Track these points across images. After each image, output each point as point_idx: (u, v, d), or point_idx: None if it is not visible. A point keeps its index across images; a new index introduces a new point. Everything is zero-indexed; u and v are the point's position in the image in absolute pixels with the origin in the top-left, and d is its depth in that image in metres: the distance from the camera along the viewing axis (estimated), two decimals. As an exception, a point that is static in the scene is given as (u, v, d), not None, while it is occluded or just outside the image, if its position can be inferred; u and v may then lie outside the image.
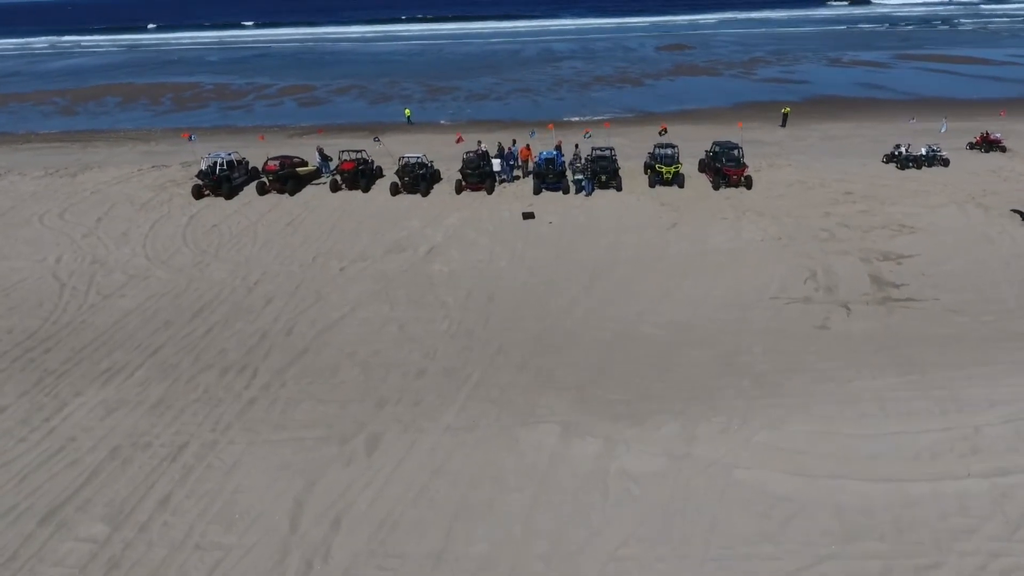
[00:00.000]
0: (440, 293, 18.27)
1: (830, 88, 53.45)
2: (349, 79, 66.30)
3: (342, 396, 14.18)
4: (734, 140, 26.81)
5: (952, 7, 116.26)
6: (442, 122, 44.37)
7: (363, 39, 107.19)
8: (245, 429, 13.31)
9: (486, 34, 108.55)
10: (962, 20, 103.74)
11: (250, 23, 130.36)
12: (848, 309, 17.02)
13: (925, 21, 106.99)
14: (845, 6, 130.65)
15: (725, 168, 24.98)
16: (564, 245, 20.99)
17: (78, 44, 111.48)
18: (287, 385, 14.62)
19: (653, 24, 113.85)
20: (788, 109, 39.43)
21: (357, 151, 26.86)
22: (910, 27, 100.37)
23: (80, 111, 54.52)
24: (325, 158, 27.64)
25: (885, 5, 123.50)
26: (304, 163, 27.26)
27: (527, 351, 15.51)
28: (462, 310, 17.36)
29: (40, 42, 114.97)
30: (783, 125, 38.67)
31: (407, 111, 43.36)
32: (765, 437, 12.63)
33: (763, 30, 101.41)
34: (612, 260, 19.94)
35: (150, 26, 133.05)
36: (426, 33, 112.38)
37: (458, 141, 28.42)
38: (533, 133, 26.98)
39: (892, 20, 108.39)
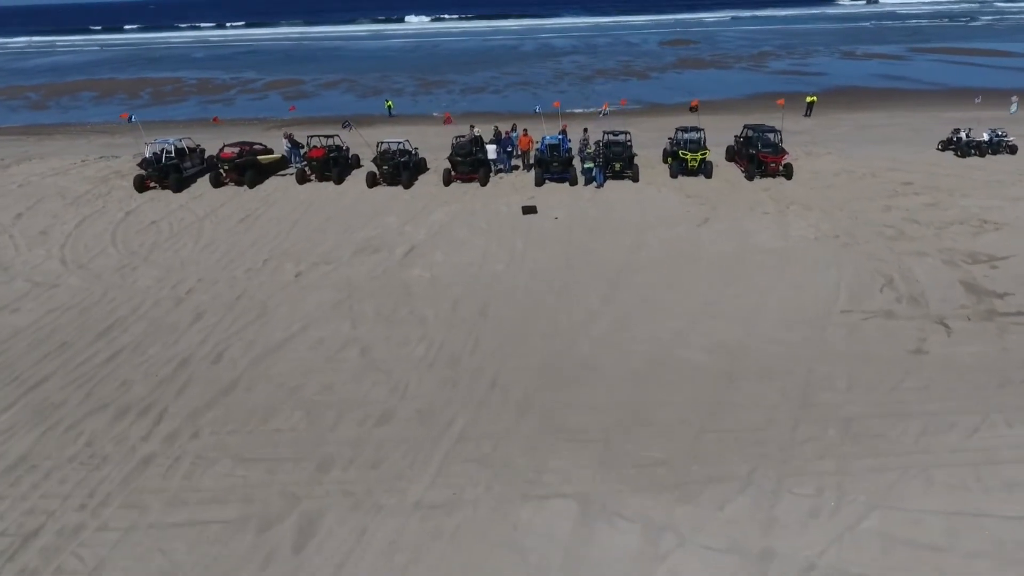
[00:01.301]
0: (418, 306, 14.15)
1: (848, 79, 49.41)
2: (339, 74, 62.29)
3: (273, 452, 10.03)
4: (769, 123, 22.75)
5: (962, 5, 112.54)
6: (434, 114, 40.24)
7: (357, 37, 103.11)
8: (128, 505, 9.15)
9: (483, 32, 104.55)
10: (971, 16, 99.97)
11: (240, 23, 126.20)
12: (946, 327, 12.89)
13: (934, 17, 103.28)
14: (852, 4, 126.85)
15: (761, 155, 20.89)
16: (574, 245, 16.88)
17: (60, 44, 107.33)
18: (200, 435, 10.46)
19: (654, 22, 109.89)
20: (814, 97, 35.31)
21: (329, 136, 22.75)
22: (921, 23, 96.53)
23: (51, 106, 50.36)
24: (295, 145, 23.49)
25: (892, 4, 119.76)
26: (268, 150, 23.14)
27: (530, 385, 11.38)
28: (445, 328, 13.24)
29: (19, 42, 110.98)
30: (808, 114, 34.56)
31: (388, 103, 39.25)
32: (878, 522, 8.50)
33: (769, 27, 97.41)
34: (635, 263, 15.83)
35: (130, 26, 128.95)
36: (421, 31, 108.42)
37: (446, 122, 24.21)
38: (536, 110, 22.93)
39: (900, 16, 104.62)
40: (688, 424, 10.33)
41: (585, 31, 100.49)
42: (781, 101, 25.98)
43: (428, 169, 23.03)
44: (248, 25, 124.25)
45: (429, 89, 51.66)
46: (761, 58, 63.02)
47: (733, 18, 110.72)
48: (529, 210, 18.86)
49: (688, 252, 16.33)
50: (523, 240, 17.17)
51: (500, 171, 22.56)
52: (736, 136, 23.25)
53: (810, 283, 14.64)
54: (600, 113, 24.63)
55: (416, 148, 22.67)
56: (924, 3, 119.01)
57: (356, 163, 23.39)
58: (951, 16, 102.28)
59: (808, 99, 35.39)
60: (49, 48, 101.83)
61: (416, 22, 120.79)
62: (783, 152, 21.03)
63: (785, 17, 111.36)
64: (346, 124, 22.60)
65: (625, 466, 9.52)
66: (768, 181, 21.06)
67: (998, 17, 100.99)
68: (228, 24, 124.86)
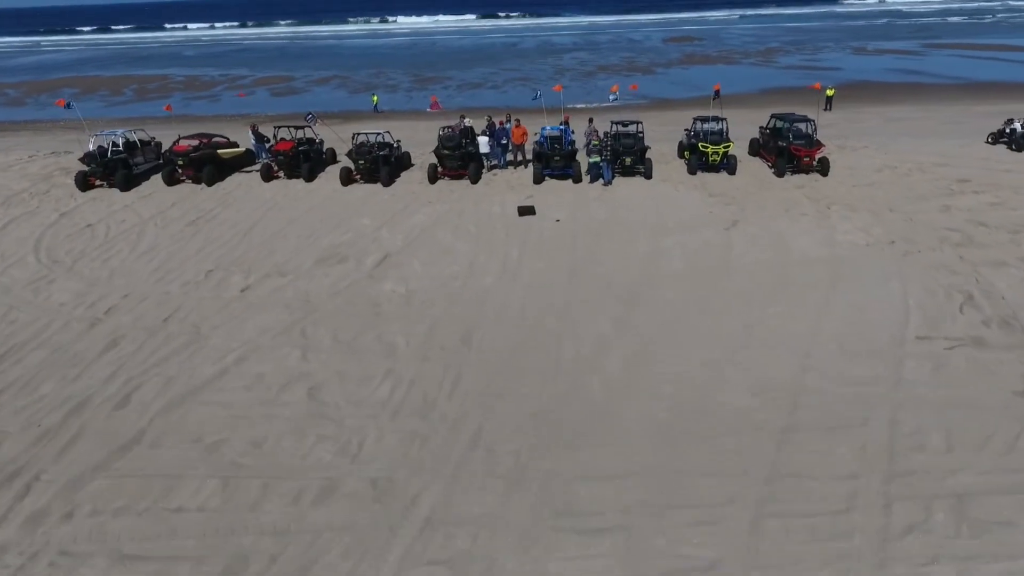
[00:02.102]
0: (387, 330, 11.28)
1: (865, 74, 46.48)
2: (331, 70, 59.55)
3: (168, 546, 7.15)
4: (800, 112, 19.87)
5: (971, 3, 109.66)
6: (427, 110, 37.40)
7: (353, 35, 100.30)
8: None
9: (482, 30, 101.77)
10: (982, 14, 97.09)
11: (235, 23, 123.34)
12: (1057, 359, 10.05)
13: (943, 15, 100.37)
14: (858, 3, 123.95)
15: (793, 148, 17.99)
16: (580, 253, 14.01)
17: (46, 43, 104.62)
18: (75, 515, 7.59)
19: (656, 20, 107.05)
20: (832, 90, 32.46)
21: (299, 127, 19.89)
22: (929, 20, 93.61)
23: (29, 102, 47.56)
24: (260, 139, 20.61)
25: (899, 2, 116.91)
26: (231, 144, 20.28)
27: (523, 444, 8.48)
28: (418, 361, 10.37)
29: (3, 42, 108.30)
30: (828, 108, 31.64)
31: (374, 97, 36.41)
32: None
33: (774, 24, 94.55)
34: (654, 276, 12.95)
35: (122, 26, 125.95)
36: (418, 29, 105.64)
37: (433, 107, 21.26)
38: (537, 95, 20.08)
39: (908, 15, 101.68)
40: (739, 503, 7.44)
41: (586, 29, 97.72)
42: (817, 85, 23.03)
43: (413, 165, 20.15)
44: (242, 25, 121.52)
45: (424, 85, 48.85)
46: (769, 54, 60.14)
47: (741, 16, 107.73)
48: (526, 211, 16.00)
49: (717, 262, 13.44)
50: (519, 247, 14.30)
51: (494, 167, 19.69)
52: (761, 127, 20.36)
53: (871, 301, 11.75)
54: (609, 98, 21.69)
55: (398, 141, 19.79)
56: (932, 1, 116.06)
57: (332, 158, 20.51)
58: (960, 13, 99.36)
59: (828, 92, 32.52)
60: (34, 47, 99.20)
61: (412, 21, 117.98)
62: (818, 144, 18.14)
63: (790, 15, 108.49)
64: (309, 116, 19.71)
65: (657, 572, 6.65)
66: (801, 178, 18.17)
67: (1009, 14, 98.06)
68: (223, 24, 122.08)
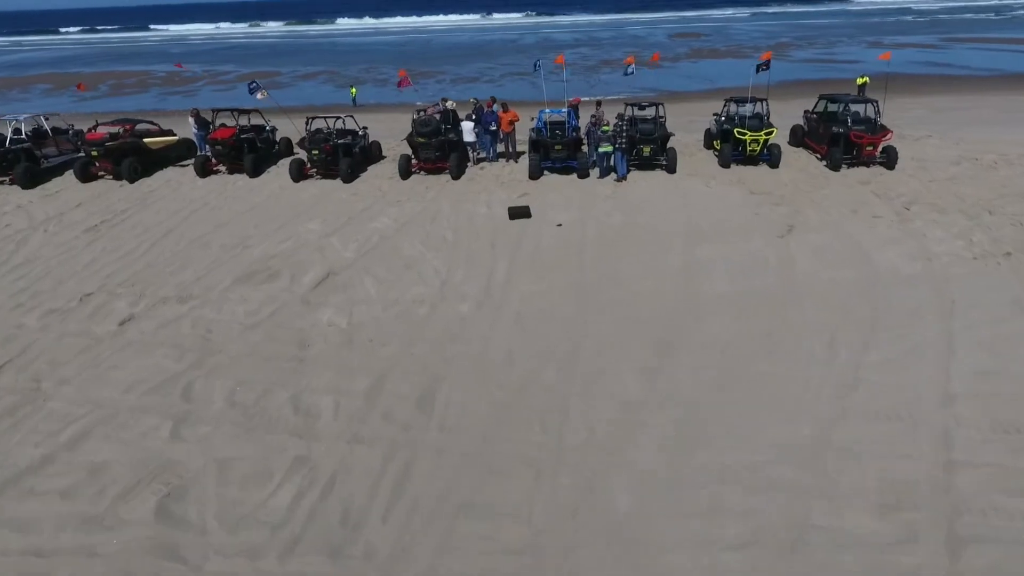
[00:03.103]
0: (311, 386, 7.56)
1: (888, 66, 42.78)
2: (321, 65, 56.06)
3: None
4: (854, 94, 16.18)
5: (979, 1, 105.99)
6: (417, 104, 33.73)
7: (348, 33, 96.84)
8: None
9: (480, 28, 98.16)
10: (994, 11, 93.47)
11: (226, 23, 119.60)
12: None
13: (953, 12, 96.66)
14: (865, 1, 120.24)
15: (853, 134, 14.32)
16: (589, 270, 10.30)
17: (27, 43, 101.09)
18: None
19: (657, 18, 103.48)
20: (865, 79, 28.76)
21: (245, 111, 16.24)
22: (940, 17, 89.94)
23: (-13, 99, 44.14)
24: (204, 126, 16.92)
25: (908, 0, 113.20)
26: (165, 132, 16.61)
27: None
28: (347, 443, 6.62)
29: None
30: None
31: (352, 89, 32.84)
32: None
33: (781, 22, 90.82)
34: (692, 303, 9.24)
35: (110, 26, 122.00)
36: (413, 27, 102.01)
37: (401, 83, 17.50)
38: (538, 64, 16.33)
39: (917, 12, 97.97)
40: None
41: (586, 27, 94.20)
42: (887, 55, 19.21)
43: (384, 157, 16.50)
44: (235, 21, 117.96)
45: (416, 79, 45.02)
46: (781, 48, 56.41)
47: (739, 15, 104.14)
48: (519, 213, 12.31)
49: (777, 283, 9.73)
50: (508, 261, 10.61)
51: (482, 159, 16.04)
52: (807, 112, 16.66)
53: (1010, 340, 8.06)
54: (627, 72, 18.01)
55: (365, 128, 16.12)
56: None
57: (287, 149, 16.81)
58: (972, 11, 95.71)
59: (859, 81, 28.81)
60: (16, 47, 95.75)
61: (409, 20, 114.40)
62: (883, 131, 14.44)
63: (797, 13, 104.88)
64: (252, 86, 15.99)
65: None
66: (861, 171, 14.47)
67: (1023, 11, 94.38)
68: (215, 24, 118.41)
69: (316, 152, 14.37)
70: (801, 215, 12.11)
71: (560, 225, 11.95)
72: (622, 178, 14.23)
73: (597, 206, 12.90)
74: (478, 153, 15.97)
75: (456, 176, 14.59)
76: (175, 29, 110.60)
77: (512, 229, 11.84)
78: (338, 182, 14.61)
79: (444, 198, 13.55)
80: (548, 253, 10.84)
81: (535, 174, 14.41)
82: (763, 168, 14.91)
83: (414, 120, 14.85)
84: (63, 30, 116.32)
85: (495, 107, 15.72)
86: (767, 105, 15.27)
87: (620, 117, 14.51)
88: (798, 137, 16.57)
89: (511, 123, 15.60)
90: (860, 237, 11.08)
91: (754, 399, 7.09)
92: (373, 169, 15.75)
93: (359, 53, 67.10)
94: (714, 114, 16.32)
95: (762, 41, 62.18)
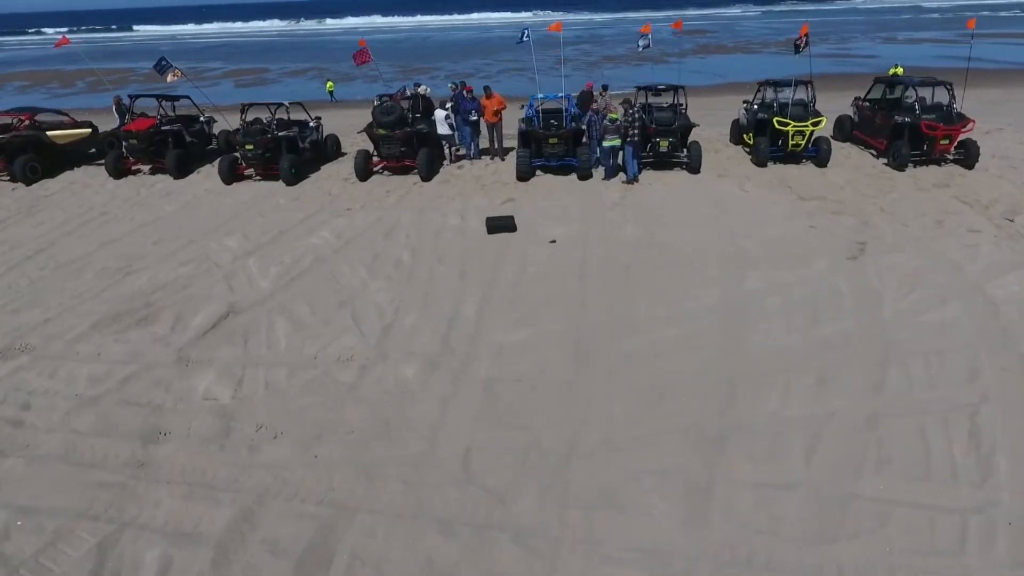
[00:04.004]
0: (139, 518, 4.60)
1: (910, 60, 39.49)
2: (311, 62, 53.24)
3: None
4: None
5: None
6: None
7: (344, 32, 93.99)
8: None
9: (478, 26, 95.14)
10: (1003, 8, 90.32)
11: (213, 23, 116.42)
12: None
13: (960, 10, 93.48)
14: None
15: (925, 124, 11.27)
16: (592, 309, 7.16)
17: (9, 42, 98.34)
18: None
19: (660, 17, 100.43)
20: (899, 69, 25.73)
21: (170, 99, 13.27)
22: (948, 15, 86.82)
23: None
24: (123, 114, 13.85)
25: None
26: (77, 124, 13.61)
27: None
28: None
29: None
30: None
31: (329, 84, 29.83)
32: None
33: (789, 20, 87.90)
34: (746, 363, 6.07)
35: (98, 25, 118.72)
36: (410, 26, 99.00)
37: (358, 57, 14.12)
38: (525, 33, 13.24)
39: (926, 9, 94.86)
40: None
41: (588, 26, 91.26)
42: (972, 22, 15.95)
43: (344, 154, 13.52)
44: (230, 19, 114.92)
45: (409, 76, 42.19)
46: (792, 44, 53.47)
47: (744, 13, 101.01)
48: (500, 225, 9.28)
49: (865, 328, 6.67)
50: (480, 295, 7.58)
51: (461, 157, 13.04)
52: (858, 99, 13.59)
53: None
54: (639, 45, 14.93)
55: (318, 118, 13.13)
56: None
57: (225, 145, 13.82)
58: (990, 8, 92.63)
59: (892, 71, 25.76)
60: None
61: (407, 19, 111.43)
62: (963, 119, 11.37)
63: (802, 11, 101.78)
64: (163, 64, 12.95)
65: None
66: (933, 171, 11.42)
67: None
68: (210, 24, 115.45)
69: (250, 147, 11.36)
70: (871, 229, 9.05)
71: (553, 242, 8.92)
72: (632, 179, 11.19)
73: (603, 216, 9.87)
74: (457, 149, 12.97)
75: (426, 177, 11.57)
76: (165, 29, 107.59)
77: (490, 248, 8.80)
78: (279, 184, 11.61)
79: (407, 205, 10.53)
80: (536, 283, 7.81)
81: (524, 174, 11.38)
82: (808, 167, 11.86)
83: (374, 109, 11.84)
84: (46, 30, 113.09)
85: (474, 92, 12.67)
86: (812, 89, 12.22)
87: (629, 103, 11.46)
88: (846, 130, 13.52)
89: (497, 112, 12.56)
90: (958, 259, 8.02)
91: (879, 533, 4.06)
92: (328, 168, 12.76)
93: (351, 50, 64.33)
94: (744, 101, 13.27)
95: (772, 37, 59.07)
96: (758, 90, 12.95)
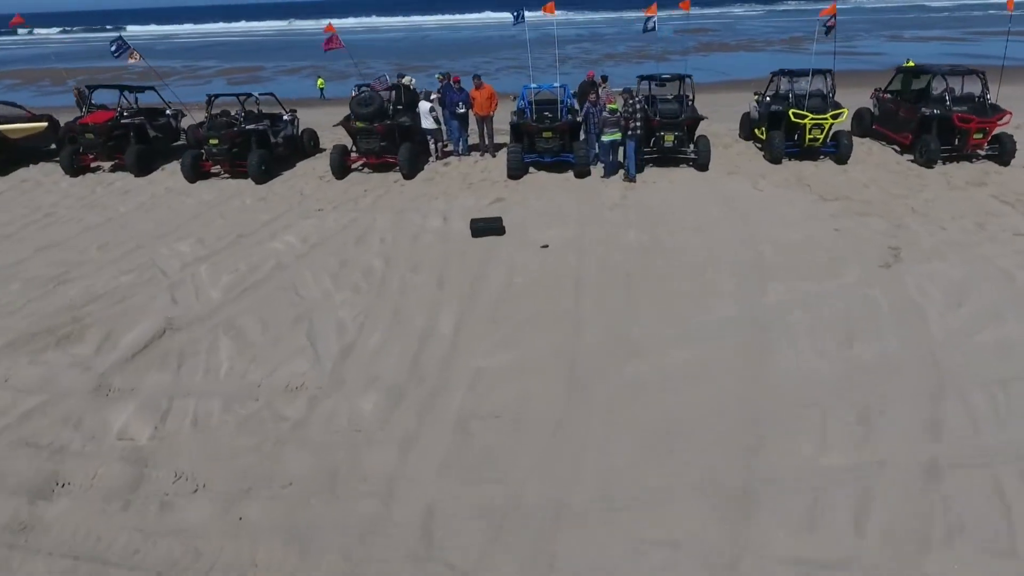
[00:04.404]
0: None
1: (919, 58, 38.69)
2: (307, 61, 52.30)
3: None
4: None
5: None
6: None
7: (344, 30, 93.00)
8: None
9: (476, 24, 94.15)
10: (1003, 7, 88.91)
11: (210, 23, 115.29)
12: None
13: (966, 8, 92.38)
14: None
15: (958, 117, 10.21)
16: (589, 327, 6.11)
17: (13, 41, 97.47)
18: None
19: (660, 16, 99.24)
20: (911, 63, 24.69)
21: (133, 89, 12.29)
22: (955, 14, 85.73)
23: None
24: (84, 106, 12.82)
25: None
26: (35, 117, 12.58)
27: None
28: None
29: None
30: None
31: (320, 81, 28.93)
32: None
33: (793, 19, 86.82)
34: (774, 394, 5.02)
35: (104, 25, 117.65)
36: (408, 25, 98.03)
37: (327, 44, 12.96)
38: (519, 14, 12.09)
39: (931, 9, 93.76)
40: None
41: (588, 24, 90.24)
42: (1011, 3, 14.77)
43: (323, 150, 12.51)
44: (229, 20, 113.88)
45: (405, 73, 41.34)
46: (796, 42, 52.25)
47: (745, 13, 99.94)
48: (486, 228, 8.25)
49: (911, 351, 5.59)
50: (458, 309, 6.52)
51: (449, 153, 12.03)
52: (878, 91, 12.56)
53: None
54: (647, 25, 13.80)
55: (294, 112, 12.13)
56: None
57: (195, 141, 12.77)
58: (986, 8, 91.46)
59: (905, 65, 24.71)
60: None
61: (405, 18, 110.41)
62: (998, 112, 10.31)
63: (806, 10, 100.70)
64: (119, 45, 11.92)
65: None
66: (965, 168, 10.37)
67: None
68: (207, 23, 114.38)
69: (215, 141, 10.34)
70: (905, 232, 8.00)
71: (546, 247, 7.88)
72: (632, 179, 10.15)
73: (602, 218, 8.83)
74: (444, 145, 11.94)
75: (408, 174, 10.53)
76: (160, 29, 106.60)
77: (474, 254, 7.77)
78: (249, 183, 10.59)
79: (385, 206, 9.49)
80: (524, 295, 6.77)
81: (516, 171, 10.34)
82: (827, 164, 10.82)
83: (351, 100, 10.81)
84: (38, 31, 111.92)
85: (447, 84, 11.59)
86: (832, 80, 11.16)
87: (631, 93, 10.42)
88: (865, 125, 12.47)
89: (489, 103, 11.51)
90: (1008, 267, 6.97)
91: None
92: (304, 165, 11.74)
93: (349, 48, 63.39)
94: (756, 93, 12.23)
95: (774, 35, 58.06)
96: (771, 81, 11.90)
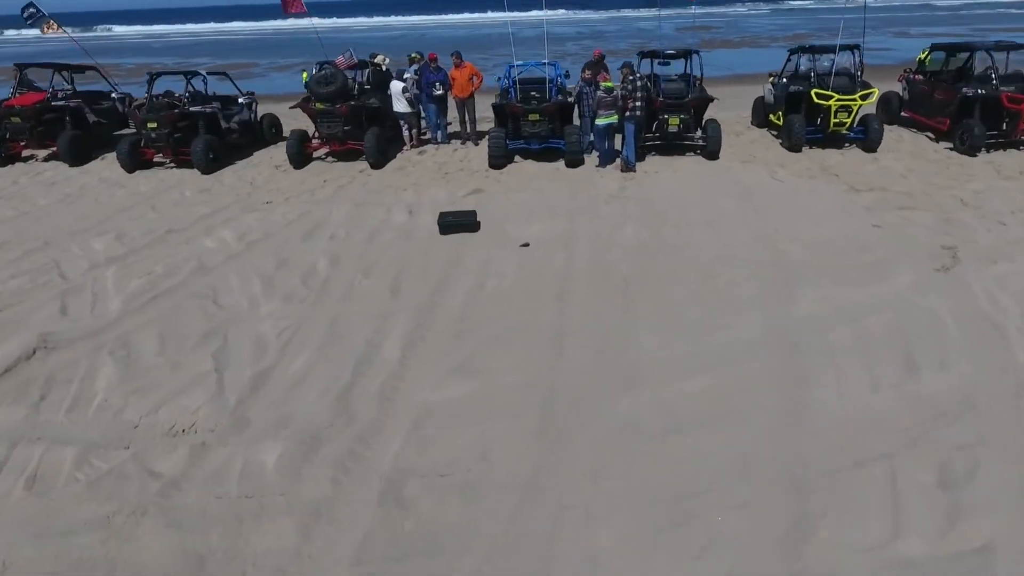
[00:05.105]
0: None
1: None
2: (302, 57, 51.07)
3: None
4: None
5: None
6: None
7: (340, 29, 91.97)
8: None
9: (474, 23, 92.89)
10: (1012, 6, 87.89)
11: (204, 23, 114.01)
12: None
13: (971, 7, 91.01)
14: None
15: (1007, 97, 8.82)
16: (573, 348, 4.77)
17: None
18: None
19: (662, 15, 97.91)
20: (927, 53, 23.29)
21: (73, 69, 11.01)
22: (961, 12, 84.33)
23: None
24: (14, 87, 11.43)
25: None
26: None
27: None
28: None
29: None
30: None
31: (304, 74, 27.39)
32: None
33: (793, 18, 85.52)
34: (814, 439, 3.70)
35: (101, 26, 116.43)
36: (406, 24, 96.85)
37: (290, 9, 11.48)
38: None
39: (936, 8, 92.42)
40: None
41: (589, 23, 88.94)
42: None
43: (282, 136, 11.19)
44: (228, 19, 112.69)
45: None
46: (800, 39, 50.59)
47: (746, 11, 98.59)
48: (457, 224, 6.92)
49: (999, 383, 4.32)
50: (412, 322, 5.17)
51: (426, 140, 10.71)
52: (908, 71, 11.27)
53: None
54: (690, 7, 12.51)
55: (251, 95, 10.87)
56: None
57: (141, 124, 11.41)
58: (993, 7, 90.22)
59: (922, 56, 23.31)
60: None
61: (406, 18, 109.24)
62: (1051, 91, 8.99)
63: (811, 9, 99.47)
64: (31, 12, 10.59)
65: None
66: (1018, 156, 9.03)
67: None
68: (205, 23, 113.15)
69: (153, 125, 9.03)
70: (958, 228, 6.65)
71: (527, 245, 6.53)
72: (631, 167, 8.81)
73: (595, 212, 7.49)
74: (423, 133, 10.61)
75: (376, 163, 9.20)
76: (155, 29, 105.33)
77: (440, 254, 6.43)
78: (192, 172, 9.27)
79: (345, 198, 8.16)
80: (496, 306, 5.42)
81: (498, 159, 9.00)
82: (854, 152, 9.47)
83: (311, 79, 9.51)
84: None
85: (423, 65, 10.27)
86: (860, 56, 9.81)
87: (631, 68, 9.08)
88: (892, 110, 11.12)
89: (471, 83, 10.19)
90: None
91: None
92: (262, 154, 10.43)
93: (344, 45, 62.17)
94: (771, 74, 10.91)
95: (777, 32, 56.69)
96: (788, 59, 10.57)
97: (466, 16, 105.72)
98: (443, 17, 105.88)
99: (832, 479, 3.47)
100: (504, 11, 10.89)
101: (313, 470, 3.64)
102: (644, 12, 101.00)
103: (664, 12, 13.86)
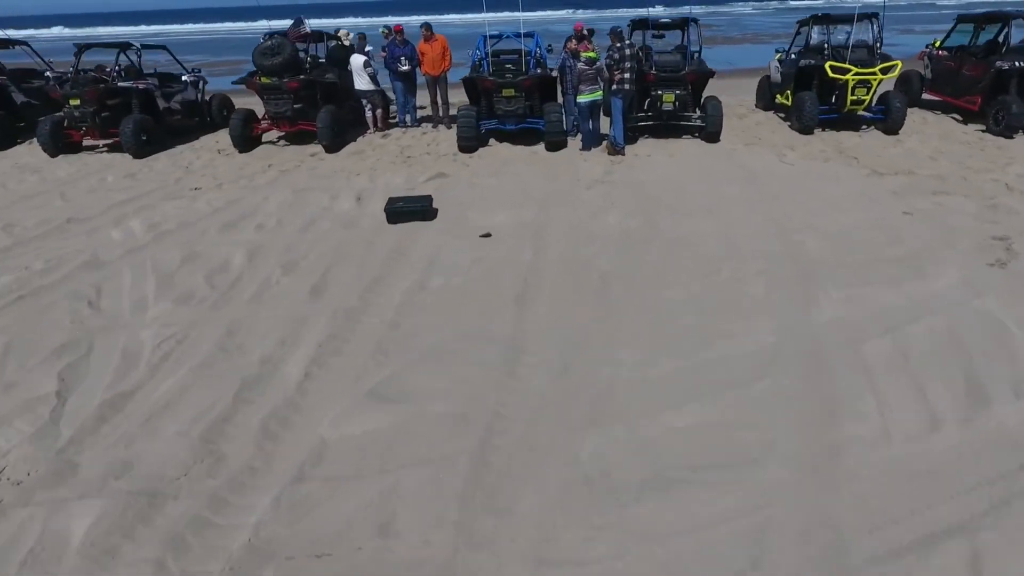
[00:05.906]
0: None
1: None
2: (295, 54, 50.16)
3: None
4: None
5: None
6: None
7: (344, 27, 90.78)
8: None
9: (472, 22, 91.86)
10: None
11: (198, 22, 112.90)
12: None
13: (974, 6, 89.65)
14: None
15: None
16: (535, 358, 3.69)
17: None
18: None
19: (663, 14, 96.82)
20: (939, 42, 22.15)
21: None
22: (967, 11, 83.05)
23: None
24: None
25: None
26: None
27: None
28: None
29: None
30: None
31: None
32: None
33: (795, 17, 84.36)
34: (855, 500, 2.65)
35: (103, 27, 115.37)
36: (405, 23, 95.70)
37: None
38: None
39: (938, 7, 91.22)
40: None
41: (588, 22, 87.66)
42: None
43: (230, 118, 10.09)
44: (226, 19, 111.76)
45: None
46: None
47: (747, 10, 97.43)
48: (407, 210, 5.81)
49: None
50: (329, 330, 4.04)
51: (392, 122, 9.60)
52: (931, 47, 10.19)
53: None
54: None
55: (197, 72, 9.82)
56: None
57: (70, 111, 10.33)
58: (998, 6, 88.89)
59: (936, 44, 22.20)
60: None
61: (404, 18, 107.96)
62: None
63: (817, 7, 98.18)
64: None
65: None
66: (1054, 139, 7.96)
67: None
68: (203, 23, 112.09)
69: (76, 102, 7.95)
70: (1007, 216, 5.52)
71: (488, 236, 5.42)
72: (620, 149, 7.70)
73: (575, 198, 6.37)
74: (388, 114, 9.50)
75: (329, 146, 8.08)
76: (154, 28, 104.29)
77: (383, 246, 5.31)
78: (126, 157, 8.17)
79: (286, 183, 7.05)
80: (439, 310, 4.30)
81: (468, 140, 7.87)
82: (873, 134, 8.35)
83: (255, 51, 8.41)
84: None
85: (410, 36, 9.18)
86: (879, 26, 8.68)
87: (619, 36, 7.98)
88: (914, 90, 9.99)
89: (444, 59, 9.08)
90: None
91: None
92: (209, 139, 9.33)
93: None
94: (777, 51, 9.83)
95: (781, 29, 55.44)
96: (797, 32, 9.46)
97: (452, 16, 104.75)
98: (442, 17, 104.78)
99: (882, 570, 2.34)
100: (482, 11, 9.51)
101: (134, 548, 2.52)
102: (642, 12, 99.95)
103: (663, 10, 12.73)
